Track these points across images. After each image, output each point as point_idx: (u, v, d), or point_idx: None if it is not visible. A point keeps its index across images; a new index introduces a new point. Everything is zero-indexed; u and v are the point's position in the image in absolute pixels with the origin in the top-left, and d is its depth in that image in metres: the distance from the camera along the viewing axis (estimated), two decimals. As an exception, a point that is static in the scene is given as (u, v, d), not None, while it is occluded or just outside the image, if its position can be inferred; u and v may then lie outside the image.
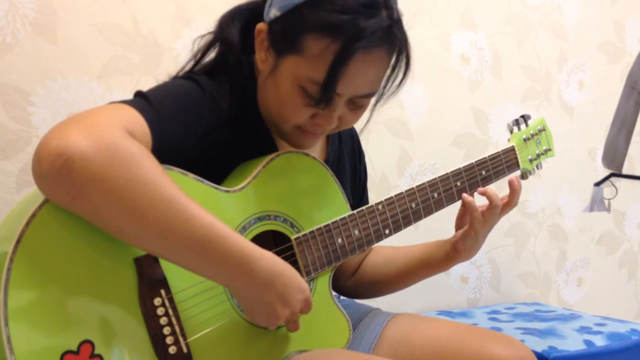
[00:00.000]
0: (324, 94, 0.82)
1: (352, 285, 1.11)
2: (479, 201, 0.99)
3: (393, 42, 0.84)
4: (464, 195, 0.99)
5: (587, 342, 1.30)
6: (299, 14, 0.82)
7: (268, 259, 0.74)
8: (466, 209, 1.00)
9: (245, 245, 0.72)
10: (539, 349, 1.26)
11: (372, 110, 0.92)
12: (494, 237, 1.75)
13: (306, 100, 0.84)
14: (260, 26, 0.87)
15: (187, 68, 0.93)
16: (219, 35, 0.91)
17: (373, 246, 1.05)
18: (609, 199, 0.92)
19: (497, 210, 0.97)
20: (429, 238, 1.09)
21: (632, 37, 2.01)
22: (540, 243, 1.88)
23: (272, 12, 0.84)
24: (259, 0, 0.90)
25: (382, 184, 1.62)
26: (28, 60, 1.23)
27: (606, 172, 0.86)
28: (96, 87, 1.29)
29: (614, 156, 0.84)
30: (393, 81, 0.88)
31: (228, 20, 0.91)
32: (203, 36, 0.93)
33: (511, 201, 1.00)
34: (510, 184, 1.01)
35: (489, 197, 0.98)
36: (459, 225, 1.04)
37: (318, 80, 0.81)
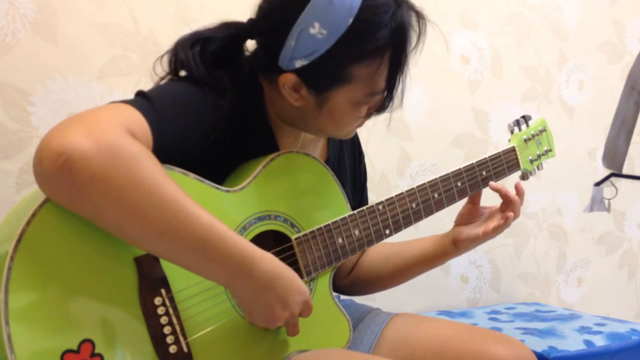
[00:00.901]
0: (388, 98, 0.88)
1: (349, 283, 1.12)
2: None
3: (418, 24, 0.87)
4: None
5: (587, 342, 1.30)
6: (336, 54, 0.82)
7: (268, 260, 0.74)
8: (477, 208, 1.03)
9: (245, 246, 0.72)
10: (539, 349, 1.26)
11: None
12: (494, 237, 1.75)
13: (366, 110, 0.88)
14: (286, 77, 0.85)
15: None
16: (215, 36, 0.88)
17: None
18: (609, 199, 0.92)
19: (512, 220, 1.01)
20: (429, 238, 1.09)
21: (632, 37, 2.01)
22: (540, 243, 1.88)
23: (298, 63, 0.83)
24: (240, 24, 0.89)
25: (382, 184, 1.62)
26: (28, 60, 1.23)
27: (606, 172, 0.86)
28: (96, 87, 1.29)
29: (614, 156, 0.84)
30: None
31: (187, 43, 0.87)
32: (161, 57, 0.89)
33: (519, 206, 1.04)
34: (518, 189, 1.04)
35: (514, 209, 1.01)
36: (462, 222, 1.05)
37: (378, 90, 0.86)
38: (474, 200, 1.05)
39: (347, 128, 0.92)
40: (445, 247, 1.03)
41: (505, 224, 1.00)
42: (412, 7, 0.87)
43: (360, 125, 0.94)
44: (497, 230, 1.00)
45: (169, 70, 0.88)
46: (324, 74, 0.84)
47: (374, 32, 0.81)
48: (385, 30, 0.82)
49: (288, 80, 0.85)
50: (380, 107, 0.91)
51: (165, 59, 0.88)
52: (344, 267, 1.10)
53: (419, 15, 0.87)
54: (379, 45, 0.82)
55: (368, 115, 0.92)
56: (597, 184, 0.89)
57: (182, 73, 0.87)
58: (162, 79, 0.89)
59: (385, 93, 0.88)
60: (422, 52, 0.90)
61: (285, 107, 0.90)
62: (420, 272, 1.07)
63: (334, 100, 0.86)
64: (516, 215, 1.01)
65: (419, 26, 0.87)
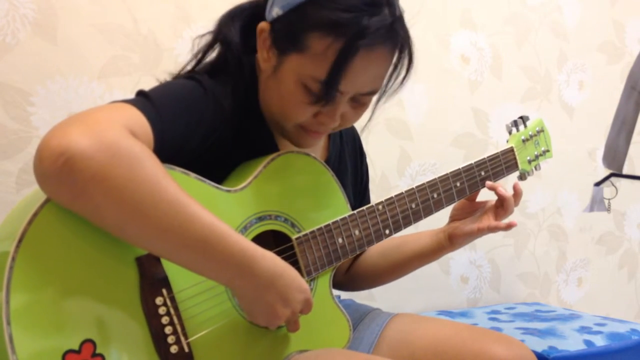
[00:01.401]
0: (326, 92, 0.82)
1: (348, 278, 1.12)
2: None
3: (395, 40, 0.84)
4: (503, 192, 1.01)
5: (587, 342, 1.30)
6: (302, 13, 0.82)
7: (269, 259, 0.74)
8: (474, 204, 1.04)
9: (246, 245, 0.72)
10: (539, 349, 1.26)
11: (374, 109, 0.92)
12: (494, 237, 1.75)
13: (309, 98, 0.84)
14: (263, 25, 0.86)
15: (188, 68, 0.93)
16: (218, 35, 0.91)
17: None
18: (609, 199, 0.92)
19: (509, 214, 1.02)
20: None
21: (632, 37, 2.01)
22: (540, 243, 1.88)
23: (275, 11, 0.84)
24: (260, 0, 0.90)
25: (382, 184, 1.62)
26: (28, 60, 1.23)
27: (606, 172, 0.86)
28: (96, 87, 1.29)
29: (614, 156, 0.84)
30: (395, 78, 0.88)
31: (227, 20, 0.91)
32: (202, 36, 0.92)
33: (515, 203, 1.05)
34: (516, 189, 1.04)
35: (507, 202, 1.01)
36: (457, 217, 1.06)
37: (321, 78, 0.82)
38: (471, 197, 1.05)
39: (291, 111, 0.87)
40: (441, 243, 1.04)
41: (505, 229, 1.01)
42: (398, 23, 0.83)
43: (315, 132, 0.89)
44: (492, 230, 1.01)
45: (208, 46, 0.91)
46: (287, 33, 0.83)
47: (342, 8, 0.79)
48: (356, 15, 0.79)
49: (264, 29, 0.86)
50: (318, 99, 0.84)
51: (206, 38, 0.92)
52: (341, 265, 1.10)
53: (395, 34, 0.83)
54: (341, 22, 0.79)
55: (318, 120, 0.87)
56: (597, 184, 0.89)
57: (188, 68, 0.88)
58: (176, 77, 0.89)
59: (324, 86, 0.82)
60: (421, 51, 0.90)
61: (267, 94, 0.90)
62: (417, 267, 1.08)
63: (285, 67, 0.84)
64: (508, 213, 1.02)
65: (386, 40, 0.82)
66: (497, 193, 1.01)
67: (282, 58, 0.85)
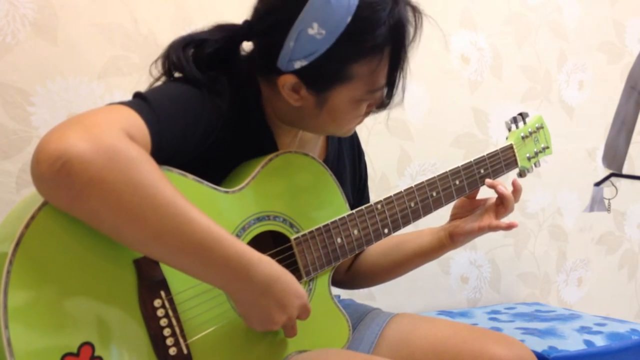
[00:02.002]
0: (389, 95, 0.88)
1: (348, 277, 1.12)
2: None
3: (414, 17, 0.87)
4: (503, 190, 1.02)
5: (587, 342, 1.30)
6: (334, 54, 0.82)
7: (266, 263, 0.74)
8: (474, 202, 1.04)
9: (243, 249, 0.72)
10: (539, 349, 1.26)
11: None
12: (494, 237, 1.75)
13: (366, 107, 0.89)
14: (286, 78, 0.85)
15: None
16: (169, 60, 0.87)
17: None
18: (609, 199, 0.92)
19: (509, 212, 1.03)
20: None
21: (632, 37, 2.01)
22: (540, 243, 1.88)
23: (298, 64, 0.83)
24: (235, 26, 0.89)
25: (382, 184, 1.62)
26: (28, 60, 1.23)
27: (606, 172, 0.86)
28: (96, 87, 1.29)
29: (614, 156, 0.84)
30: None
31: (179, 45, 0.87)
32: (155, 61, 0.89)
33: (515, 200, 1.05)
34: (515, 185, 1.04)
35: (506, 200, 1.01)
36: (458, 216, 1.06)
37: (378, 87, 0.86)
38: (471, 195, 1.05)
39: (348, 126, 0.93)
40: (442, 241, 1.04)
41: (506, 229, 1.01)
42: (408, 2, 0.87)
43: (360, 122, 0.94)
44: (493, 229, 1.01)
45: (162, 72, 0.88)
46: (323, 74, 0.84)
47: (372, 30, 0.81)
48: (384, 27, 0.82)
49: (287, 81, 0.85)
50: (381, 104, 0.90)
51: (160, 62, 0.88)
52: (343, 263, 1.10)
53: (415, 10, 0.87)
54: (377, 43, 0.82)
55: (368, 112, 0.92)
56: (597, 184, 0.89)
57: (177, 75, 0.87)
58: (157, 79, 0.88)
59: (386, 89, 0.88)
60: (421, 51, 0.90)
61: (284, 107, 0.90)
62: (419, 265, 1.08)
63: (335, 100, 0.86)
64: (509, 211, 1.02)
65: (415, 20, 0.87)
66: (496, 191, 1.01)
67: (325, 94, 0.86)
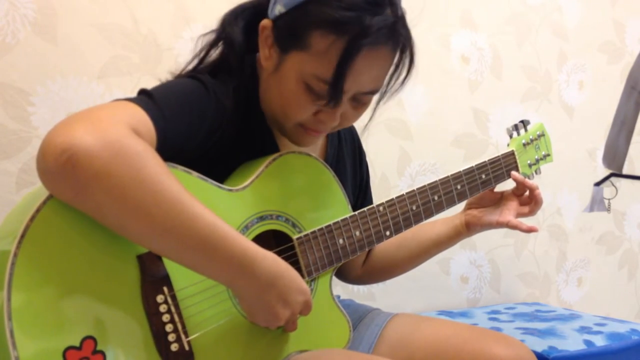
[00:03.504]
0: (332, 93, 0.82)
1: (364, 273, 1.12)
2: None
3: (397, 39, 0.84)
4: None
5: (587, 342, 1.30)
6: (305, 10, 0.82)
7: (270, 260, 0.74)
8: (498, 198, 1.06)
9: (248, 245, 0.72)
10: (539, 349, 1.26)
11: (375, 109, 0.92)
12: (494, 237, 1.76)
13: (310, 97, 0.84)
14: (265, 22, 0.87)
15: (191, 67, 0.93)
16: (221, 34, 0.91)
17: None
18: (609, 199, 0.92)
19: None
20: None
21: (632, 37, 2.01)
22: (540, 243, 1.88)
23: (277, 9, 0.84)
24: None
25: (382, 184, 1.62)
26: (28, 60, 1.23)
27: (606, 172, 0.86)
28: (96, 87, 1.29)
29: (614, 156, 0.84)
30: (396, 79, 0.88)
31: (231, 19, 0.91)
32: (205, 34, 0.92)
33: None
34: (514, 178, 1.06)
35: (537, 198, 1.04)
36: (476, 205, 1.08)
37: (324, 77, 0.82)
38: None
39: (291, 110, 0.87)
40: (458, 229, 1.06)
41: (526, 231, 1.03)
42: (401, 27, 0.84)
43: (314, 130, 0.89)
44: (512, 227, 1.03)
45: (210, 45, 0.91)
46: (289, 30, 0.84)
47: (347, 7, 0.80)
48: (359, 14, 0.79)
49: (266, 26, 0.86)
50: (327, 103, 0.84)
51: (209, 37, 0.91)
52: (356, 259, 1.11)
53: (403, 47, 0.84)
54: (344, 21, 0.79)
55: (317, 114, 0.87)
56: (597, 184, 0.89)
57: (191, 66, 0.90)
58: (178, 76, 0.89)
59: (330, 87, 0.82)
60: (421, 51, 0.89)
61: (268, 93, 0.90)
62: (434, 254, 1.09)
63: (287, 65, 0.84)
64: (532, 213, 1.05)
65: (394, 43, 0.83)
66: (528, 188, 1.05)
67: (283, 56, 0.85)
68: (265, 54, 0.87)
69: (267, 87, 0.90)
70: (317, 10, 0.81)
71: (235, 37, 0.89)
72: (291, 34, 0.83)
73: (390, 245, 1.10)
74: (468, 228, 1.05)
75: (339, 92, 0.82)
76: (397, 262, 1.10)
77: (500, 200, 1.08)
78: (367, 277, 1.14)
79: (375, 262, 1.11)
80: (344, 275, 1.13)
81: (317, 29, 0.81)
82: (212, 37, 0.92)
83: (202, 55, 0.92)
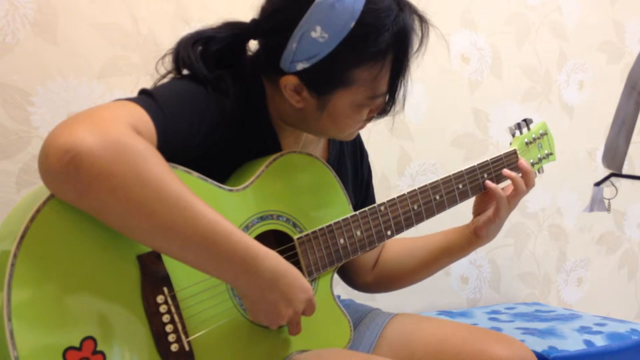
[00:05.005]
0: (391, 104, 0.88)
1: (374, 279, 1.11)
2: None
3: (420, 27, 0.87)
4: (488, 182, 1.02)
5: (587, 342, 1.30)
6: (337, 57, 0.82)
7: (272, 258, 0.74)
8: (489, 196, 1.03)
9: (250, 243, 0.72)
10: (539, 349, 1.26)
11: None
12: (494, 236, 1.75)
13: (365, 111, 0.88)
14: (288, 79, 0.85)
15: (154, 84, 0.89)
16: (178, 58, 0.87)
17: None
18: (609, 199, 0.92)
19: (522, 195, 1.02)
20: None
21: (632, 37, 2.01)
22: (540, 243, 1.88)
23: (299, 66, 0.84)
24: (242, 24, 0.89)
25: (382, 184, 1.62)
26: (28, 60, 1.23)
27: (606, 172, 0.86)
28: (96, 87, 1.29)
29: (614, 156, 0.84)
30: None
31: (188, 42, 0.88)
32: (162, 57, 0.89)
33: (528, 182, 1.04)
34: (521, 167, 1.04)
35: (514, 182, 1.02)
36: (478, 211, 1.06)
37: (379, 94, 0.86)
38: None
39: (349, 130, 0.92)
40: (468, 237, 1.05)
41: (516, 193, 1.01)
42: (414, 11, 0.87)
43: (362, 127, 0.95)
44: (501, 205, 1.01)
45: (171, 68, 0.88)
46: (325, 77, 0.84)
47: (375, 36, 0.82)
48: (387, 34, 0.82)
49: (289, 82, 0.85)
50: (382, 110, 0.91)
51: (168, 59, 0.89)
52: (364, 263, 1.10)
53: (422, 19, 0.87)
54: (380, 49, 0.82)
55: (370, 118, 0.92)
56: (597, 184, 0.89)
57: (185, 72, 0.88)
58: (164, 77, 0.89)
59: (387, 96, 0.88)
60: (423, 54, 0.90)
61: (286, 108, 0.90)
62: (446, 263, 1.08)
63: (336, 103, 0.86)
64: (519, 191, 1.02)
65: (421, 30, 0.87)
66: (512, 180, 1.03)
67: (327, 97, 0.86)
68: (296, 99, 0.87)
69: (312, 122, 0.90)
70: (348, 54, 0.82)
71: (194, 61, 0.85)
72: (330, 79, 0.85)
73: (401, 253, 1.10)
74: (476, 234, 1.03)
75: (396, 101, 0.88)
76: (407, 270, 1.09)
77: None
78: (376, 285, 1.12)
79: (386, 269, 1.11)
80: (352, 281, 1.13)
81: (360, 66, 0.83)
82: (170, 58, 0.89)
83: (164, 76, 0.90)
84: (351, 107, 0.87)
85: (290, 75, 0.85)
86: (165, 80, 0.88)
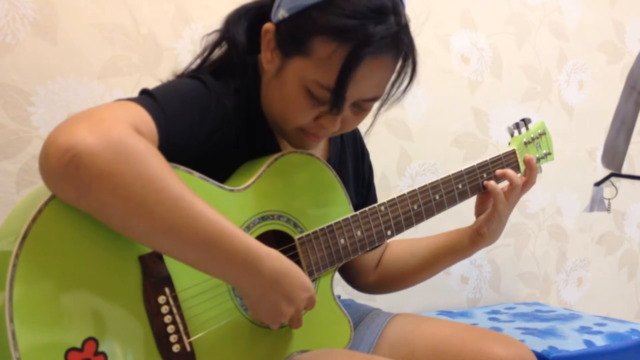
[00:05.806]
0: (334, 100, 0.82)
1: (376, 280, 1.11)
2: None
3: (400, 48, 0.84)
4: (486, 181, 1.02)
5: (587, 342, 1.30)
6: (308, 17, 0.82)
7: (274, 257, 0.74)
8: (488, 194, 1.03)
9: (252, 243, 0.72)
10: (539, 349, 1.26)
11: (376, 116, 0.92)
12: (493, 236, 1.75)
13: (311, 102, 0.84)
14: (268, 26, 0.86)
15: (194, 66, 0.92)
16: (225, 34, 0.91)
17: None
18: (609, 199, 0.92)
19: (517, 189, 1.02)
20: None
21: (632, 37, 2.01)
22: (540, 243, 1.88)
23: (280, 13, 0.84)
24: (266, 0, 0.90)
25: (382, 184, 1.62)
26: (28, 60, 1.23)
27: (606, 172, 0.86)
28: (96, 87, 1.29)
29: (614, 156, 0.84)
30: (398, 87, 0.88)
31: (235, 19, 0.91)
32: (209, 34, 0.92)
33: (530, 179, 1.04)
34: (528, 162, 1.05)
35: (509, 178, 1.02)
36: (479, 212, 1.06)
37: (325, 84, 0.82)
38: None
39: (292, 115, 0.87)
40: (471, 237, 1.04)
41: (513, 187, 1.01)
42: (407, 34, 0.84)
43: (315, 137, 0.89)
44: (499, 199, 1.00)
45: (214, 44, 0.91)
46: (292, 35, 0.83)
47: (351, 15, 0.80)
48: (362, 22, 0.79)
49: (269, 30, 0.86)
50: (330, 109, 0.84)
51: (213, 37, 0.91)
52: (366, 264, 1.10)
53: (408, 54, 0.84)
54: (348, 29, 0.79)
55: (318, 120, 0.87)
56: (597, 184, 0.89)
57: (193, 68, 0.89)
58: (182, 75, 0.90)
59: (334, 96, 0.82)
60: (421, 51, 0.89)
61: (268, 95, 0.90)
62: (449, 263, 1.07)
63: (289, 70, 0.84)
64: (532, 181, 1.03)
65: (397, 52, 0.83)
66: (506, 176, 1.03)
67: (285, 60, 0.85)
68: (267, 57, 0.87)
69: (268, 90, 0.90)
70: (320, 17, 0.81)
71: (239, 37, 0.89)
72: (294, 39, 0.83)
73: (403, 253, 1.10)
74: (478, 233, 1.03)
75: (341, 99, 0.82)
76: (410, 270, 1.08)
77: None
78: (379, 285, 1.12)
79: (388, 270, 1.10)
80: (355, 281, 1.13)
81: (320, 36, 0.81)
82: (215, 37, 0.92)
83: (205, 55, 0.92)
84: (298, 81, 0.83)
85: (271, 23, 0.86)
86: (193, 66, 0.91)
